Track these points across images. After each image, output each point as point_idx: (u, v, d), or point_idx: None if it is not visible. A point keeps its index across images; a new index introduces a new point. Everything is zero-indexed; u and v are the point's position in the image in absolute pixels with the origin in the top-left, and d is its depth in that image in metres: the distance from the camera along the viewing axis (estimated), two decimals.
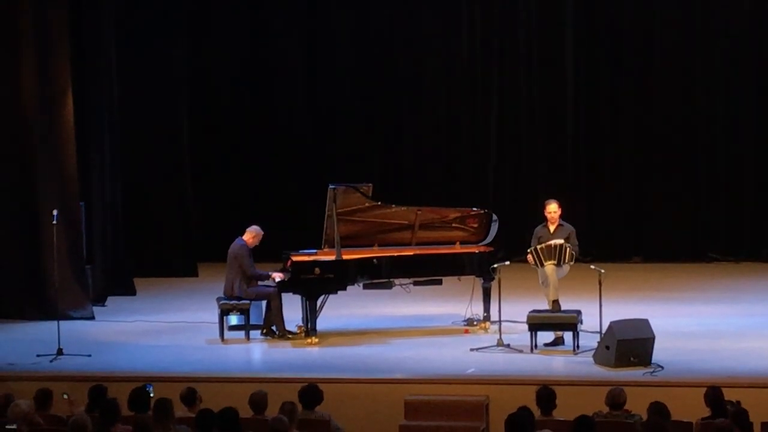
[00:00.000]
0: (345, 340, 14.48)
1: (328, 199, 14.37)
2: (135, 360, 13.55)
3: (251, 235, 14.57)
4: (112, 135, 18.26)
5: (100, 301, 17.32)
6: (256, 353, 14.21)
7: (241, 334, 14.48)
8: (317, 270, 14.12)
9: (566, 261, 13.80)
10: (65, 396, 10.64)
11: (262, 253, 15.66)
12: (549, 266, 13.82)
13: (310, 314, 14.19)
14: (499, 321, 13.92)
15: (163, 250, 20.03)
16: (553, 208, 14.11)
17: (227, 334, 14.50)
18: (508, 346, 13.54)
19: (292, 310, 14.70)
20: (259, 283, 14.51)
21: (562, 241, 13.88)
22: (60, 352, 13.62)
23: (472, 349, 13.57)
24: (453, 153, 21.59)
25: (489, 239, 15.07)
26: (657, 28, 20.89)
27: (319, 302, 14.32)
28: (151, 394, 10.08)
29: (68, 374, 12.70)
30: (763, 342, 13.73)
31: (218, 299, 14.55)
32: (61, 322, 14.13)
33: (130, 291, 18.34)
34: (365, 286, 14.69)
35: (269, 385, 11.02)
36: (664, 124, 20.89)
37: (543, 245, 13.84)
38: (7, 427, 9.38)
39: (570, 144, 21.22)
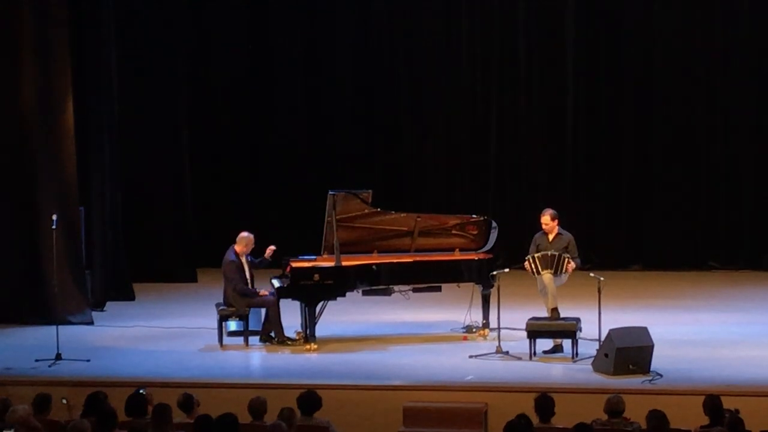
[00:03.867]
0: (344, 346, 14.47)
1: (328, 205, 14.36)
2: (134, 365, 13.53)
3: (242, 244, 14.55)
4: (111, 140, 18.26)
5: (99, 306, 17.31)
6: (255, 359, 14.20)
7: (240, 340, 14.47)
8: (316, 276, 14.12)
9: (563, 271, 13.77)
10: (64, 401, 10.65)
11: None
12: (546, 275, 13.78)
13: (309, 320, 14.18)
14: (498, 328, 13.92)
15: (162, 255, 20.04)
16: (545, 220, 14.04)
17: (226, 340, 14.50)
18: (506, 353, 13.54)
19: (291, 316, 14.70)
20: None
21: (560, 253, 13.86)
22: (59, 357, 13.60)
23: (470, 356, 13.56)
24: (453, 160, 21.59)
25: (488, 246, 15.07)
26: (657, 37, 20.89)
27: (318, 308, 14.31)
28: (142, 392, 10.11)
29: (67, 379, 12.69)
30: (763, 350, 13.73)
31: (217, 305, 14.54)
32: (60, 327, 14.14)
33: (129, 296, 18.33)
34: (364, 293, 14.70)
35: (268, 391, 11.03)
36: (664, 133, 20.90)
37: (540, 254, 13.81)
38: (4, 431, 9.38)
39: (570, 151, 21.22)
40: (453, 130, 21.58)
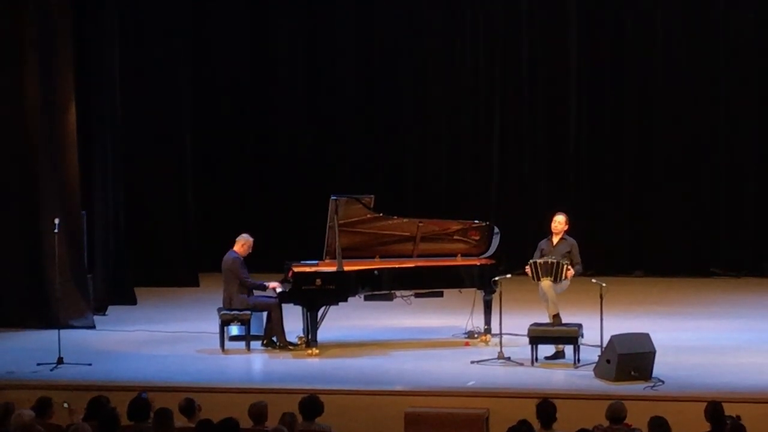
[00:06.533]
0: (346, 351, 14.47)
1: (330, 210, 14.37)
2: (135, 369, 13.54)
3: (240, 244, 14.61)
4: (114, 144, 18.26)
5: (101, 310, 17.31)
6: (257, 364, 14.20)
7: (242, 344, 14.47)
8: (318, 281, 14.12)
9: (563, 278, 13.77)
10: (65, 405, 10.63)
11: (263, 263, 15.71)
12: (545, 282, 13.79)
13: (311, 325, 14.18)
14: (500, 334, 13.92)
15: (164, 259, 20.03)
16: (560, 219, 14.10)
17: (228, 344, 14.50)
18: (508, 359, 13.54)
19: (293, 321, 14.70)
20: (257, 293, 14.52)
21: (558, 260, 13.84)
22: (60, 361, 13.61)
23: (472, 362, 13.56)
24: (455, 165, 21.60)
25: (490, 252, 15.07)
26: (660, 44, 20.90)
27: (320, 313, 14.32)
28: (144, 396, 10.12)
29: (68, 383, 12.68)
30: (764, 357, 13.73)
31: (219, 309, 14.54)
32: (62, 331, 14.12)
33: (131, 300, 18.32)
34: (366, 298, 14.69)
35: (269, 396, 11.01)
36: (666, 140, 20.90)
37: (540, 261, 13.81)
38: None
39: (572, 157, 21.22)
40: (455, 135, 21.59)
